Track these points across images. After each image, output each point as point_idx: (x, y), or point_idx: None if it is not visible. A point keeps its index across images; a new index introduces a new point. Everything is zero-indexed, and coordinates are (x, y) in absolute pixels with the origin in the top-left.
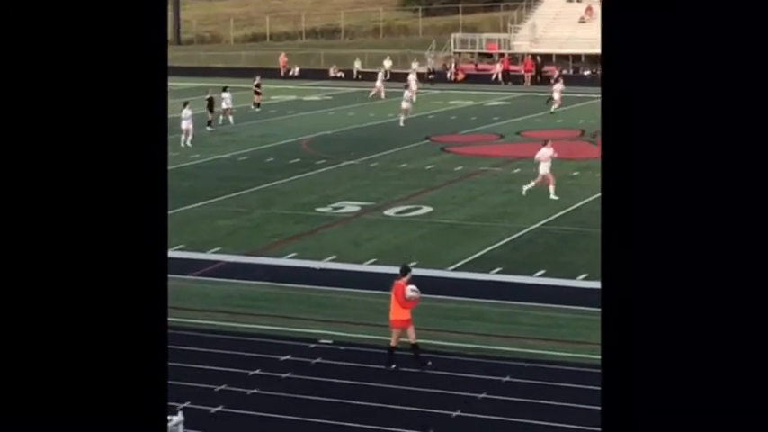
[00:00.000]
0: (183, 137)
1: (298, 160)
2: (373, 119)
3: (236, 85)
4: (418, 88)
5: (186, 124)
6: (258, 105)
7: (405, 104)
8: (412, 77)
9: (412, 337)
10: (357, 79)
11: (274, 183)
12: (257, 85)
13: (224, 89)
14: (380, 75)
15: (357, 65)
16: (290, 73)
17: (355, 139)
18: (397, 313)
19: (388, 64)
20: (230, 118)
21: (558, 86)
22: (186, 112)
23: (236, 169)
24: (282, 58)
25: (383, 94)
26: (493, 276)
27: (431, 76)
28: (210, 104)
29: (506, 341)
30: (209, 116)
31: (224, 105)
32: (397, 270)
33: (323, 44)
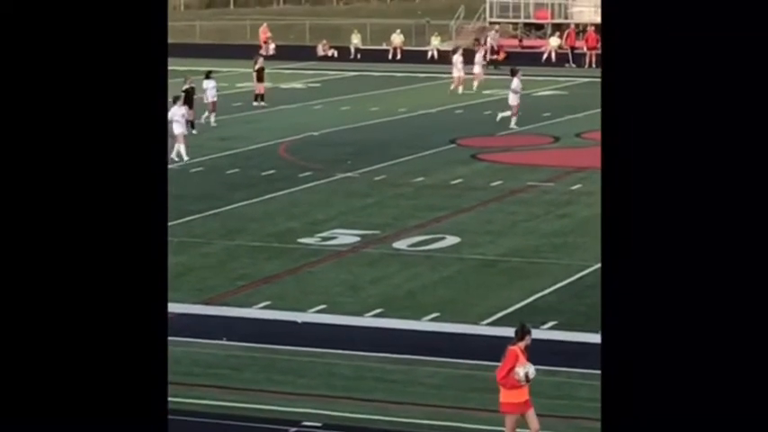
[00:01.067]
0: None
1: (272, 172)
2: (376, 114)
3: (193, 68)
4: (480, 72)
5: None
6: (262, 98)
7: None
8: (458, 58)
9: (533, 426)
10: (355, 59)
11: (240, 203)
12: (259, 70)
13: (207, 75)
14: (457, 58)
15: (355, 40)
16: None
17: (353, 142)
18: (510, 393)
19: (398, 39)
20: (212, 117)
21: None
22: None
23: (186, 184)
24: (264, 31)
25: (461, 87)
26: (545, 333)
27: (494, 57)
28: (189, 97)
29: (565, 423)
30: (190, 114)
31: (207, 98)
32: (417, 325)
33: (307, 11)
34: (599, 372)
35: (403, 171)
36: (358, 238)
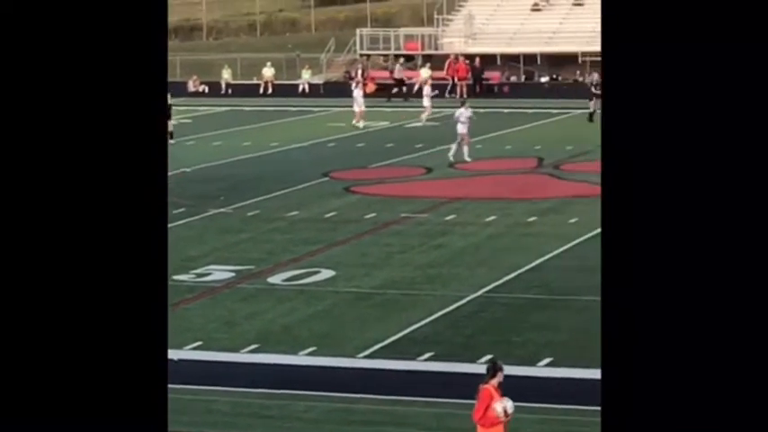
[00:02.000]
0: None
1: None
2: (249, 149)
3: None
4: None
5: None
6: (171, 135)
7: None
8: (358, 93)
9: None
10: (227, 95)
11: None
12: (168, 107)
13: None
14: (427, 90)
15: (226, 75)
16: None
17: (225, 178)
18: None
19: (269, 73)
20: None
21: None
22: None
23: None
24: None
25: (425, 115)
26: (421, 365)
27: (397, 89)
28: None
29: None
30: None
31: None
32: (293, 360)
33: (177, 47)
34: (475, 402)
35: (276, 206)
36: (233, 274)
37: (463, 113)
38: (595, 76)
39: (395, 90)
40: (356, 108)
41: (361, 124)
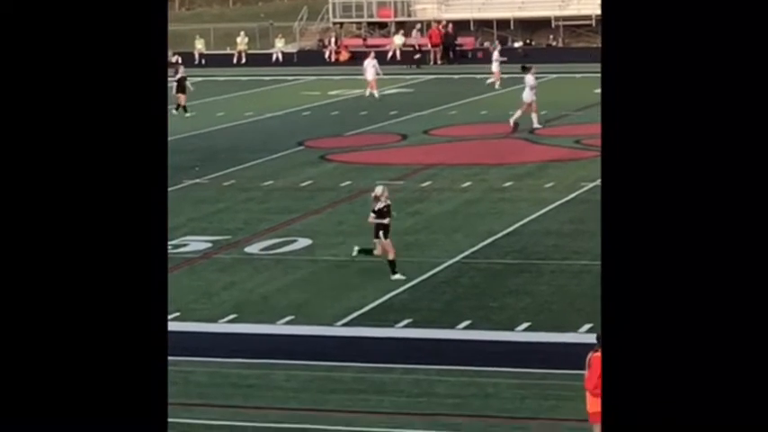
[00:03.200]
0: None
1: None
2: (223, 119)
3: None
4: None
5: None
6: (185, 109)
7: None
8: (369, 62)
9: None
10: (200, 65)
11: None
12: (180, 80)
13: None
14: (496, 55)
15: (199, 45)
16: None
17: (200, 149)
18: (597, 402)
19: (242, 42)
20: None
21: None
22: None
23: None
24: None
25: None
26: (399, 332)
27: (417, 56)
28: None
29: (421, 420)
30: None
31: None
32: (272, 329)
33: None
34: (456, 368)
35: (252, 175)
36: (209, 245)
37: (529, 80)
38: None
39: (416, 56)
40: (369, 77)
41: (376, 93)
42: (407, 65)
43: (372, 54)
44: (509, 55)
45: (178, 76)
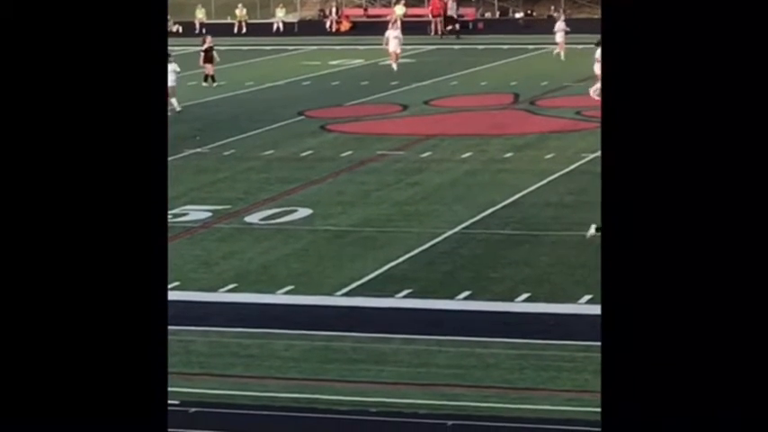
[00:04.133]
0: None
1: None
2: (223, 89)
3: None
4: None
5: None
6: (213, 79)
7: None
8: (392, 33)
9: None
10: (200, 34)
11: None
12: (207, 50)
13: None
14: (561, 25)
15: (200, 14)
16: None
17: (200, 118)
18: None
19: (242, 12)
20: (174, 101)
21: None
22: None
23: None
24: None
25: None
26: (399, 302)
27: (451, 27)
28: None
29: (420, 390)
30: (210, 69)
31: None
32: (272, 299)
33: None
34: (455, 338)
35: (252, 145)
36: (209, 214)
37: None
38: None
39: (449, 27)
40: (391, 48)
41: (394, 66)
42: (444, 35)
43: (396, 23)
44: (510, 26)
45: (205, 45)
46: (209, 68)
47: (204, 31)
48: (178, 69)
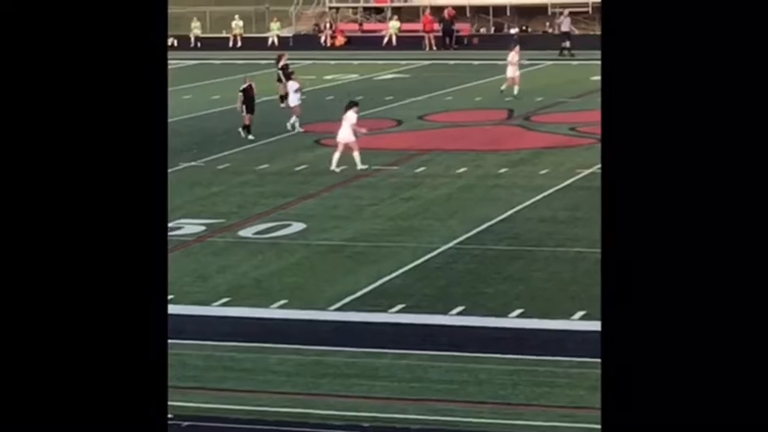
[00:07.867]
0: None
1: None
2: (218, 103)
3: None
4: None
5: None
6: (285, 98)
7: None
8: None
9: None
10: (196, 48)
11: None
12: (283, 68)
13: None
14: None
15: (195, 28)
16: None
17: (196, 131)
18: None
19: (238, 26)
20: (296, 120)
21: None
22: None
23: None
24: None
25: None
26: (392, 317)
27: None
28: (247, 97)
29: (413, 405)
30: (246, 117)
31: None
32: (265, 313)
33: None
34: (449, 353)
35: (247, 159)
36: (203, 228)
37: None
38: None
39: (564, 44)
40: (509, 73)
41: (515, 90)
42: (559, 52)
43: (516, 47)
44: (505, 41)
45: (281, 63)
46: (280, 88)
47: (199, 45)
48: (297, 86)
